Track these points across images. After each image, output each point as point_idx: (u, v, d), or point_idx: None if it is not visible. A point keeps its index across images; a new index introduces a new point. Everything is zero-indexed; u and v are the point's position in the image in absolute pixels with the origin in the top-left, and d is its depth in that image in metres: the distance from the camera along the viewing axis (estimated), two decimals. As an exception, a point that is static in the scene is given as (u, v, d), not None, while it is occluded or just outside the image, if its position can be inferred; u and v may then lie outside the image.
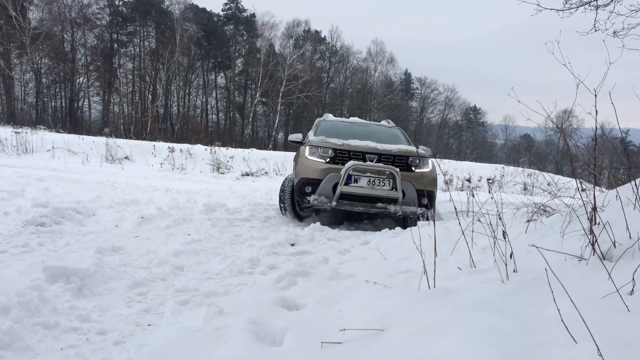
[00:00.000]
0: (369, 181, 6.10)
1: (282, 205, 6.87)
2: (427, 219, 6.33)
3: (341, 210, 6.48)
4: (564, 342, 1.67)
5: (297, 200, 6.66)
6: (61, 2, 42.59)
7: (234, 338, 2.30)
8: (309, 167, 6.37)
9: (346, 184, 6.09)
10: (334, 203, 6.16)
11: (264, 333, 2.40)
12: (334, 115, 8.57)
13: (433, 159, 6.97)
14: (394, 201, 6.15)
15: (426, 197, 6.25)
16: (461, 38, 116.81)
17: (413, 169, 6.35)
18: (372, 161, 6.23)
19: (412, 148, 6.66)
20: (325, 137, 6.68)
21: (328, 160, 6.31)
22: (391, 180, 6.10)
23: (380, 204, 6.19)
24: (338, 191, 6.08)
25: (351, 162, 6.07)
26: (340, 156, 6.31)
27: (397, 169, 6.09)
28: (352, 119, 8.33)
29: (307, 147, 6.55)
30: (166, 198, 7.88)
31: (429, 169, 6.54)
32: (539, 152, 60.69)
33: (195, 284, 3.53)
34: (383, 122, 8.31)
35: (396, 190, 6.08)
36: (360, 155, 6.29)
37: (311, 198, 6.22)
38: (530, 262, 2.77)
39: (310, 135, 7.14)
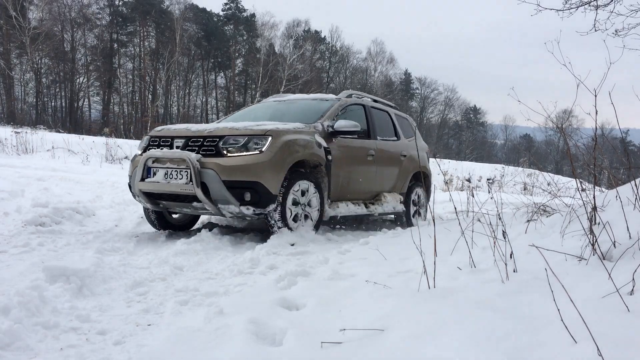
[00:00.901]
0: (166, 174, 4.77)
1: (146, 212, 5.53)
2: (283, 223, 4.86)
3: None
4: (564, 342, 1.67)
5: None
6: (61, 2, 42.61)
7: (234, 338, 2.29)
8: (131, 163, 5.34)
9: (144, 178, 4.89)
10: (148, 205, 5.06)
11: (264, 333, 2.40)
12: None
13: (292, 135, 4.94)
14: (197, 198, 4.66)
15: (250, 191, 4.61)
16: (461, 38, 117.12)
17: (225, 153, 4.67)
18: (178, 148, 4.85)
19: (243, 125, 4.92)
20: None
21: (141, 152, 5.15)
22: (188, 171, 4.63)
23: (196, 204, 4.76)
24: (135, 188, 4.95)
25: (149, 152, 4.91)
26: (152, 146, 5.10)
27: (193, 156, 4.60)
28: (316, 94, 6.75)
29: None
30: (166, 198, 7.86)
31: (257, 152, 4.67)
32: (539, 152, 60.76)
33: (195, 284, 3.52)
34: (341, 94, 6.46)
35: (193, 183, 4.57)
36: (169, 141, 4.96)
37: (138, 199, 5.17)
38: (530, 262, 2.77)
39: None
